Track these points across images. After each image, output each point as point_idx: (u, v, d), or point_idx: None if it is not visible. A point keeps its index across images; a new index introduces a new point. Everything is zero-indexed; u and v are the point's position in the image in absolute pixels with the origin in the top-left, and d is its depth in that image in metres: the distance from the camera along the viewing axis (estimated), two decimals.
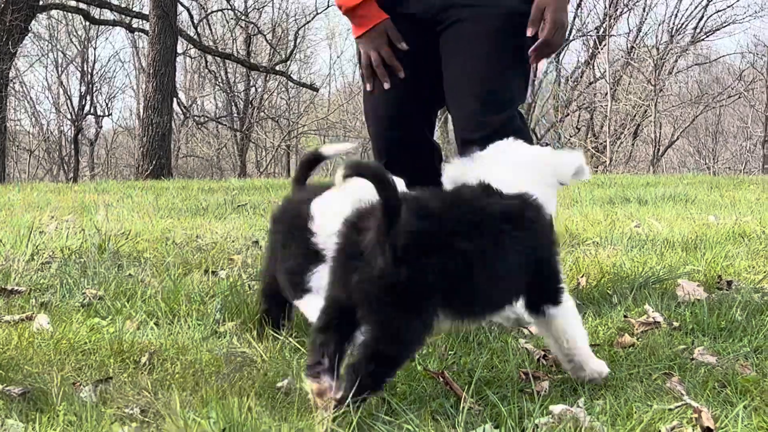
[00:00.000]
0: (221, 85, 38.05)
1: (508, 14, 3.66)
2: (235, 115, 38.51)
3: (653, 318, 3.56)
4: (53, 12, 32.15)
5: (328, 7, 37.32)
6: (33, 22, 26.17)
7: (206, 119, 36.13)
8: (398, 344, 2.50)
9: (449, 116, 3.85)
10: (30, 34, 29.06)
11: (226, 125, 37.80)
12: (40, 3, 25.11)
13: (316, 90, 34.13)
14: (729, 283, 4.34)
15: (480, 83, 3.68)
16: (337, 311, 2.55)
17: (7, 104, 25.66)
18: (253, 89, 38.79)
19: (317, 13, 36.53)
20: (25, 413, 2.55)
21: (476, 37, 3.68)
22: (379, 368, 2.45)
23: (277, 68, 31.93)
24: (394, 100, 3.82)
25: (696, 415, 2.43)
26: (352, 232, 2.52)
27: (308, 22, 37.68)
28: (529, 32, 3.62)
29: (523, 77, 3.76)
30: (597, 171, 31.29)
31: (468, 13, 3.69)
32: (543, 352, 3.08)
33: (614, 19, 35.41)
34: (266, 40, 35.48)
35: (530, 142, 3.50)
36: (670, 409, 2.53)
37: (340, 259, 2.56)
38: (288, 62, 35.14)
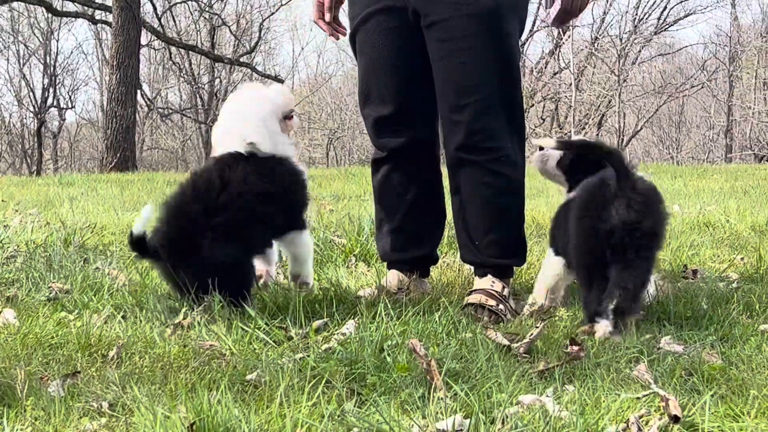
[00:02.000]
0: (185, 77, 37.90)
1: (486, 12, 3.66)
2: (200, 107, 38.38)
3: None
4: (15, 4, 31.82)
5: None
6: None
7: (171, 111, 35.98)
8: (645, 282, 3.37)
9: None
10: None
11: (190, 117, 37.68)
12: None
13: (281, 81, 34.03)
14: (694, 272, 4.38)
15: (455, 93, 3.73)
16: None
17: None
18: (217, 81, 38.70)
19: (282, 5, 36.25)
20: None
21: (456, 43, 3.70)
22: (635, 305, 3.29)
23: (241, 60, 31.81)
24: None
25: (663, 404, 2.44)
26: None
27: (272, 14, 37.68)
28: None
29: (505, 61, 3.75)
30: None
31: (449, 12, 3.70)
32: (509, 342, 3.10)
33: None
34: (231, 31, 35.37)
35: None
36: (637, 398, 2.54)
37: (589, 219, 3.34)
38: (253, 54, 35.02)
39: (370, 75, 3.93)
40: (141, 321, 3.44)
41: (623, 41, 35.46)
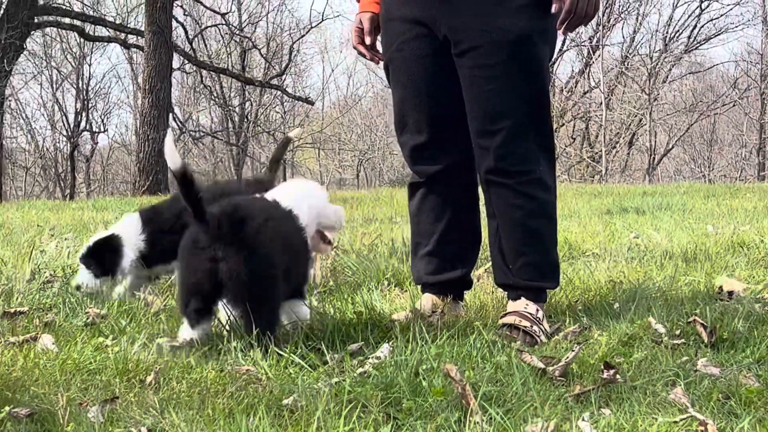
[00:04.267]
0: (217, 99, 38.14)
1: (517, 39, 3.68)
2: (231, 129, 38.58)
3: (656, 329, 3.57)
4: (48, 29, 32.21)
5: (323, 21, 37.51)
6: (28, 39, 26.23)
7: (202, 134, 36.17)
8: None
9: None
10: (25, 52, 29.11)
11: (222, 140, 37.86)
12: (35, 21, 25.15)
13: (312, 103, 34.19)
14: (730, 293, 4.36)
15: (485, 119, 3.76)
16: None
17: (3, 122, 25.65)
18: (248, 103, 38.91)
19: (311, 27, 36.42)
20: None
21: (486, 71, 3.72)
22: None
23: (272, 82, 31.98)
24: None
25: (702, 428, 2.43)
26: None
27: (302, 36, 37.81)
28: (554, 8, 3.66)
29: (535, 87, 3.76)
30: (593, 181, 31.34)
31: (479, 39, 3.73)
32: (545, 365, 3.09)
33: (608, 28, 35.54)
34: (261, 54, 35.54)
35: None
36: (675, 422, 2.53)
37: None
38: (283, 76, 35.21)
39: (406, 103, 3.95)
40: (178, 347, 3.46)
41: (653, 60, 35.38)
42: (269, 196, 3.76)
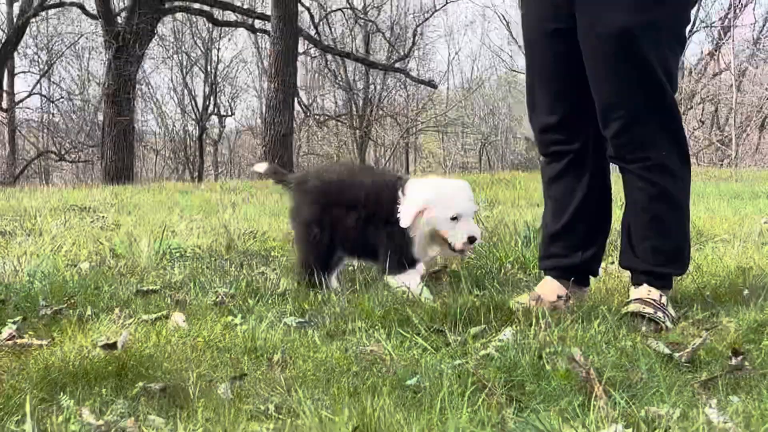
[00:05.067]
0: (341, 83, 38.40)
1: (619, 35, 3.61)
2: (355, 113, 38.82)
3: None
4: (178, 14, 32.90)
5: (447, 3, 37.30)
6: (159, 24, 26.86)
7: (326, 118, 36.51)
8: None
9: None
10: (156, 37, 29.82)
11: (345, 123, 38.14)
12: (166, 6, 25.73)
13: (435, 87, 34.19)
14: None
15: (601, 109, 3.74)
16: None
17: (135, 105, 26.34)
18: (372, 87, 39.06)
19: (435, 10, 36.40)
20: (165, 409, 2.64)
21: (594, 62, 3.69)
22: None
23: (395, 66, 32.07)
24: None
25: None
26: None
27: (426, 19, 37.77)
28: None
29: (647, 79, 3.68)
30: (722, 165, 30.59)
31: (585, 30, 3.70)
32: (671, 351, 3.05)
33: (739, 9, 34.55)
34: (385, 38, 35.68)
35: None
36: None
37: None
38: (407, 59, 35.27)
39: (536, 83, 3.94)
40: (304, 326, 3.53)
41: None
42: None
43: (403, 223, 3.97)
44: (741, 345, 3.15)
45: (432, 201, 3.98)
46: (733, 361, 2.91)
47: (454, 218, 4.01)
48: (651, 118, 3.67)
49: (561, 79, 3.85)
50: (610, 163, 3.92)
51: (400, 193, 4.09)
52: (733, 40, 33.26)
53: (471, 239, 4.04)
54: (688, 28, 3.78)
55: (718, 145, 33.56)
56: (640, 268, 3.78)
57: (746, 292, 3.96)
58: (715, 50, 35.45)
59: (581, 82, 3.78)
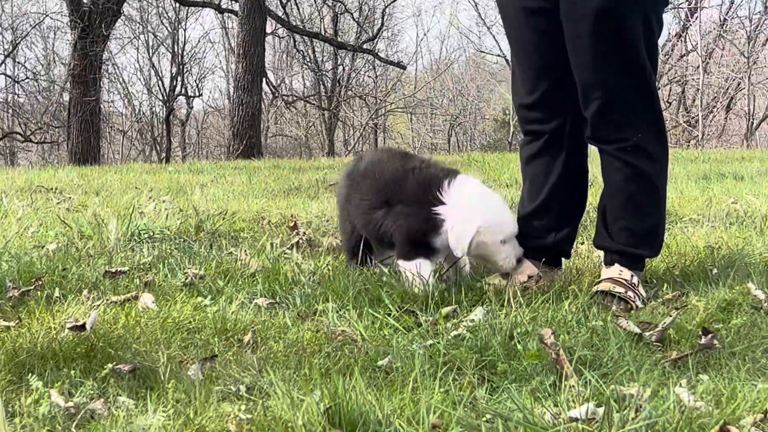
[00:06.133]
0: (309, 64, 38.26)
1: (600, 14, 3.61)
2: (323, 93, 38.70)
3: (755, 295, 3.51)
4: None
5: None
6: (125, 4, 26.63)
7: (295, 98, 36.38)
8: None
9: None
10: (122, 17, 29.57)
11: (314, 104, 38.02)
12: None
13: (404, 68, 34.15)
14: None
15: (581, 88, 3.74)
16: None
17: (101, 86, 26.12)
18: (340, 68, 38.95)
19: None
20: (135, 390, 2.63)
21: (575, 41, 3.69)
22: None
23: (364, 46, 31.99)
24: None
25: None
26: None
27: (394, 0, 37.64)
28: None
29: (629, 57, 3.68)
30: (689, 146, 30.77)
31: (567, 7, 3.69)
32: (641, 331, 3.06)
33: None
34: (353, 18, 35.57)
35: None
36: None
37: None
38: (375, 40, 35.17)
39: (516, 62, 3.94)
40: (275, 307, 3.52)
41: (753, 22, 34.47)
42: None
43: (458, 254, 3.83)
44: (710, 324, 3.17)
45: (484, 227, 3.85)
46: (703, 340, 2.93)
47: (503, 241, 3.92)
48: (631, 99, 3.68)
49: (542, 57, 3.85)
50: (589, 145, 3.92)
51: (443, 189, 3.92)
52: (699, 21, 33.42)
53: (519, 261, 3.97)
54: None
55: (685, 126, 33.75)
56: (613, 248, 3.79)
57: (715, 271, 3.98)
58: (683, 31, 35.57)
59: (563, 62, 3.77)
